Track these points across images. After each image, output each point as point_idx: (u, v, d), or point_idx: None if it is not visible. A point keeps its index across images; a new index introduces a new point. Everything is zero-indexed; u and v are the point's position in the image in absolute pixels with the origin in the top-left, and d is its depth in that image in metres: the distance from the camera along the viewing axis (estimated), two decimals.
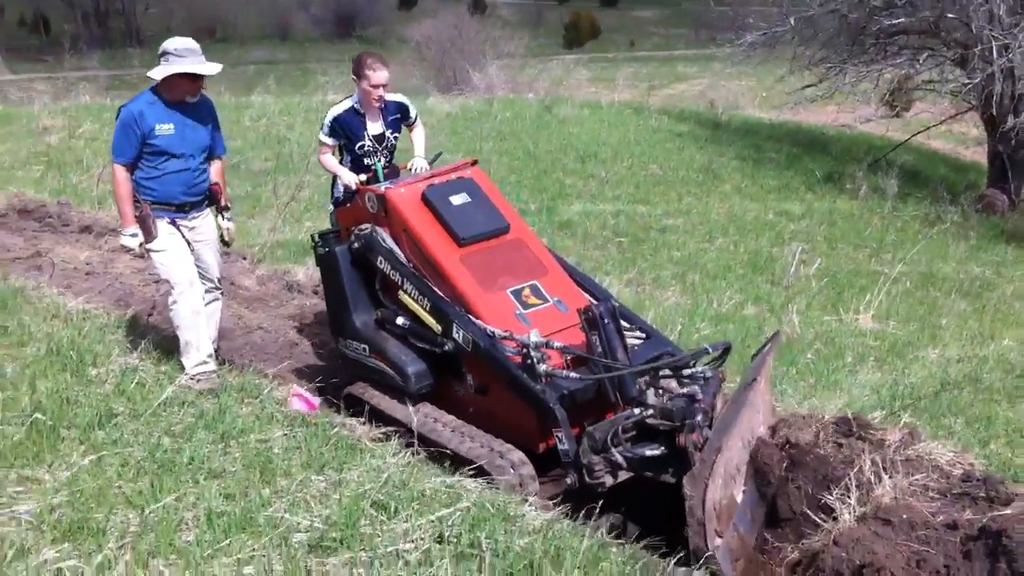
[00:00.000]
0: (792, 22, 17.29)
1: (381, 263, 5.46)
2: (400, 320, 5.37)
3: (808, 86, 18.14)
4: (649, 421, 4.47)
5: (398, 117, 6.20)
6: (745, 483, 4.45)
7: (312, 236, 6.05)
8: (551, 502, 4.53)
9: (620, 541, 4.12)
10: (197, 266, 5.69)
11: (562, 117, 19.02)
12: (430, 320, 5.19)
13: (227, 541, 3.48)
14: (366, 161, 6.05)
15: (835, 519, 4.12)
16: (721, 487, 4.06)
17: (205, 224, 5.78)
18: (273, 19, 66.47)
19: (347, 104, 6.04)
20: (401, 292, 5.36)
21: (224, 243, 6.00)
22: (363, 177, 5.92)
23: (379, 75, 5.88)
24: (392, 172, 6.13)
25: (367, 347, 5.51)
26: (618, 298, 8.47)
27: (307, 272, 8.23)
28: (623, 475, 4.56)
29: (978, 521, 3.84)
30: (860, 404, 6.05)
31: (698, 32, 59.00)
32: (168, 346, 5.91)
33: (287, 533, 3.59)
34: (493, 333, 4.93)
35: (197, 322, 5.57)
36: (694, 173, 15.91)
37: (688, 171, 16.00)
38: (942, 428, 5.67)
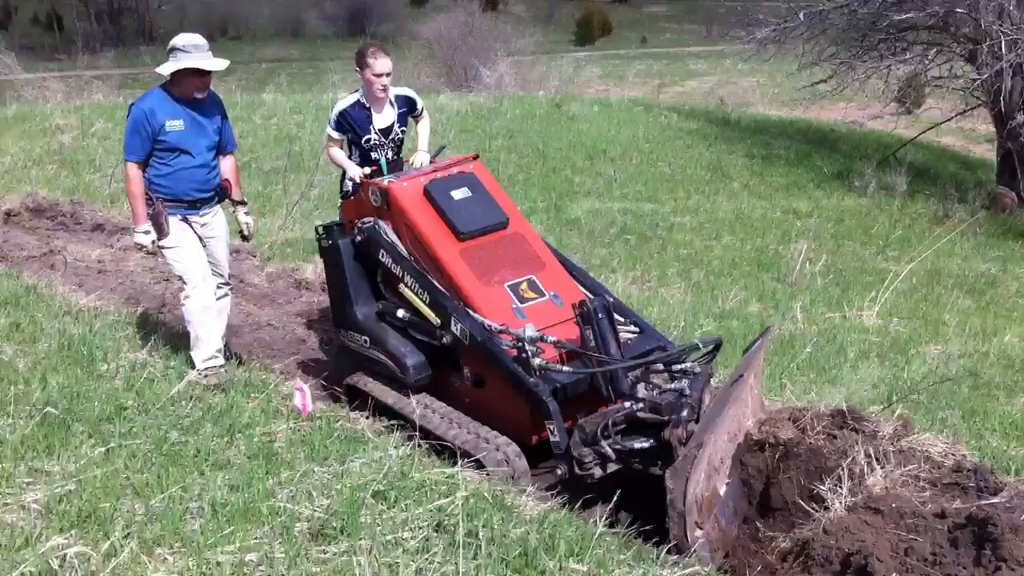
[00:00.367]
0: (802, 17, 17.33)
1: (383, 256, 5.55)
2: (400, 312, 5.46)
3: (818, 82, 18.18)
4: (639, 415, 4.55)
5: (405, 111, 6.25)
6: (729, 476, 4.52)
7: (316, 228, 6.15)
8: (548, 492, 4.61)
9: (614, 530, 4.20)
10: (208, 262, 5.79)
11: (572, 114, 19.10)
12: (429, 313, 5.28)
13: (230, 530, 3.58)
14: (373, 155, 6.13)
15: (826, 509, 4.20)
16: (703, 480, 4.13)
17: (217, 220, 5.87)
18: (286, 17, 66.76)
19: (353, 98, 6.11)
20: (402, 285, 5.46)
21: (243, 238, 6.09)
22: (368, 170, 6.01)
23: (381, 64, 5.93)
24: (397, 166, 6.21)
25: (368, 338, 5.61)
26: (623, 295, 8.64)
27: (315, 270, 8.33)
28: (612, 467, 4.64)
29: (966, 510, 3.92)
30: (859, 398, 6.13)
31: (710, 28, 59.08)
32: (177, 342, 6.02)
33: (289, 522, 3.68)
34: (490, 326, 5.01)
35: (208, 317, 5.68)
36: (702, 171, 16.00)
37: (697, 169, 16.08)
38: (937, 421, 5.74)
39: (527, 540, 3.70)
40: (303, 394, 5.13)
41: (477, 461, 4.73)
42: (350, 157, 6.20)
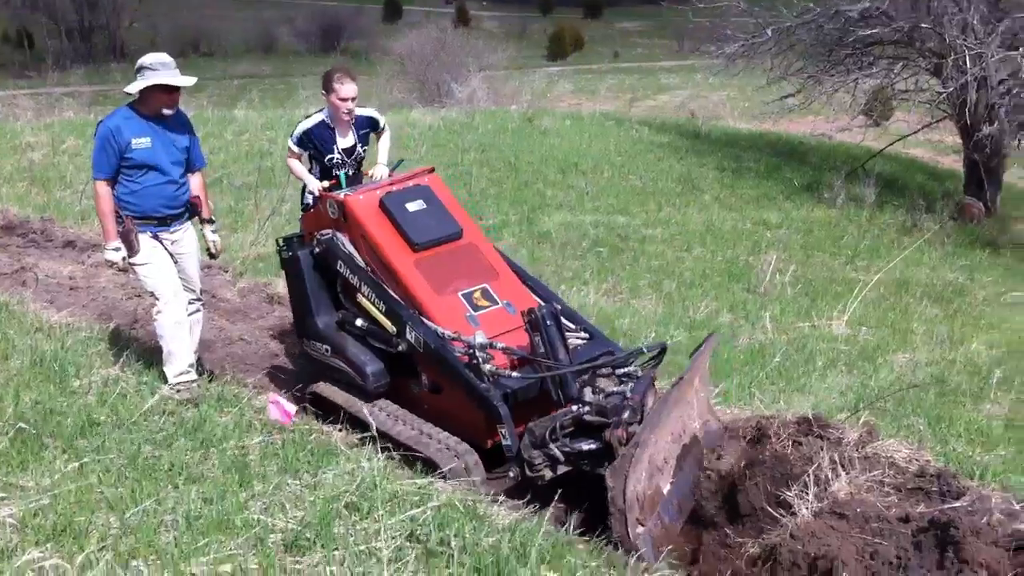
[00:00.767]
0: (769, 33, 17.52)
1: (341, 267, 5.67)
2: (359, 322, 5.58)
3: (786, 96, 18.37)
4: (586, 418, 4.70)
5: (367, 131, 6.38)
6: (674, 475, 4.64)
7: (277, 240, 6.25)
8: (520, 502, 4.67)
9: (585, 538, 4.26)
10: (179, 278, 5.81)
11: (544, 129, 19.20)
12: (386, 322, 5.40)
13: (204, 541, 3.60)
14: (334, 172, 6.23)
15: (793, 514, 4.28)
16: (645, 479, 4.29)
17: (187, 237, 5.90)
18: (258, 33, 66.50)
19: (318, 118, 6.21)
20: (359, 295, 5.57)
21: (211, 255, 6.14)
22: (327, 183, 6.12)
23: (346, 89, 6.05)
24: (356, 180, 6.31)
25: (329, 347, 5.72)
26: (594, 307, 8.72)
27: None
28: (562, 469, 4.78)
29: (929, 514, 4.00)
30: (827, 406, 6.22)
31: (681, 43, 59.46)
32: (150, 357, 6.04)
33: (263, 534, 3.71)
34: (443, 334, 5.14)
35: (180, 333, 5.70)
36: (673, 184, 16.12)
37: (668, 181, 16.20)
38: (903, 428, 5.84)
39: (499, 548, 3.75)
40: (278, 405, 5.16)
41: (433, 463, 4.87)
42: (311, 171, 6.30)
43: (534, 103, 25.79)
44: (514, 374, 4.99)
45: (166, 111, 5.62)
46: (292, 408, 5.51)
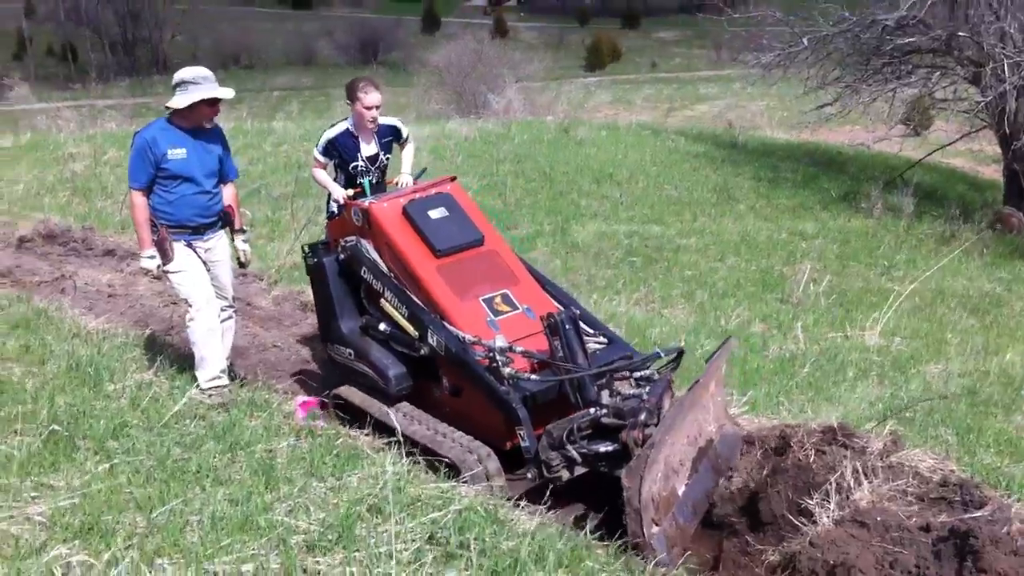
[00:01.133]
0: (806, 42, 17.45)
1: (365, 273, 5.79)
2: (382, 326, 5.68)
3: (823, 105, 18.26)
4: (603, 420, 4.77)
5: (390, 139, 6.52)
6: (689, 477, 4.69)
7: (302, 247, 6.37)
8: (542, 506, 4.71)
9: (605, 543, 4.29)
10: (212, 285, 5.93)
11: (579, 139, 19.23)
12: (408, 326, 5.52)
13: (228, 541, 3.68)
14: (358, 180, 6.37)
15: (814, 522, 4.28)
16: (660, 480, 4.35)
17: (219, 245, 6.03)
18: (298, 46, 67.23)
19: (342, 127, 6.36)
20: (383, 300, 5.69)
21: (240, 264, 6.25)
22: (351, 192, 6.25)
23: (371, 97, 6.19)
24: (380, 188, 6.44)
25: (353, 351, 5.83)
26: (625, 316, 8.75)
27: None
28: (580, 470, 4.86)
29: (950, 523, 3.99)
30: (855, 416, 6.21)
31: (719, 53, 59.26)
32: (183, 363, 6.15)
33: (285, 534, 3.78)
34: (463, 338, 5.23)
35: (212, 339, 5.82)
36: (709, 193, 16.07)
37: (703, 191, 16.16)
38: (931, 438, 5.81)
39: (518, 552, 3.79)
40: (305, 407, 5.25)
41: (456, 467, 4.95)
42: (335, 179, 6.43)
43: (570, 113, 25.82)
44: (533, 377, 5.07)
45: (207, 124, 5.79)
46: (318, 411, 5.60)
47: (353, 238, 5.90)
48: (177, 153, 5.63)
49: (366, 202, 5.90)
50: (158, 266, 5.70)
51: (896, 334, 9.27)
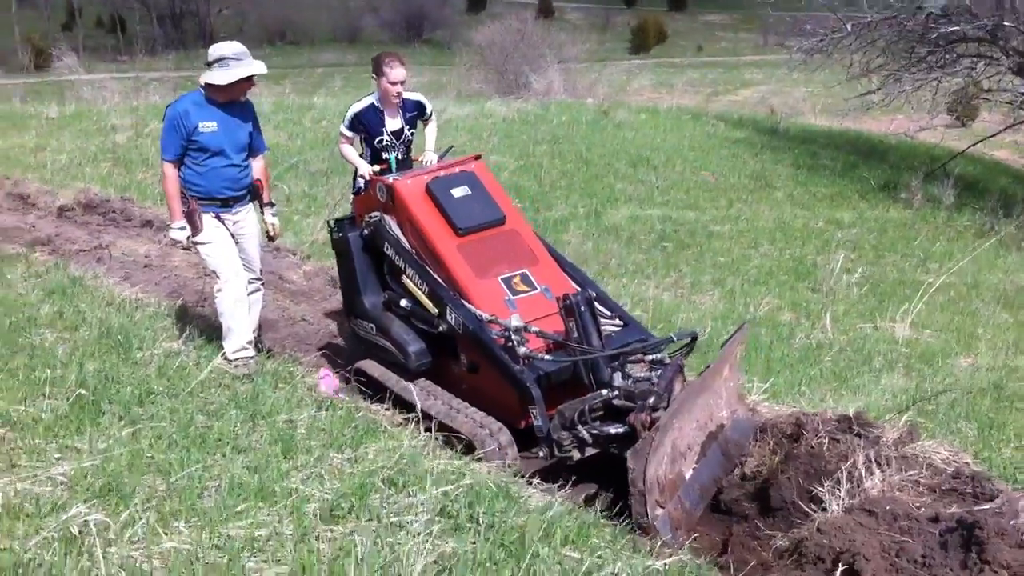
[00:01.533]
0: (849, 28, 17.29)
1: (387, 249, 5.89)
2: (403, 302, 5.78)
3: (865, 93, 18.10)
4: (615, 402, 4.83)
5: (415, 114, 6.64)
6: (697, 461, 4.74)
7: (328, 222, 6.48)
8: (555, 485, 4.78)
9: (613, 522, 4.35)
10: (240, 258, 6.04)
11: (618, 122, 19.19)
12: (428, 303, 5.61)
13: (244, 507, 3.77)
14: (384, 155, 6.51)
15: (824, 509, 4.31)
16: (667, 463, 4.41)
17: (248, 218, 6.12)
18: (343, 22, 67.47)
19: (368, 101, 6.50)
20: (404, 276, 5.80)
21: (269, 238, 6.35)
22: (377, 168, 6.37)
23: (396, 72, 6.32)
24: (406, 164, 6.55)
25: (375, 326, 5.94)
26: (654, 300, 8.76)
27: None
28: (590, 451, 4.92)
29: (959, 514, 4.00)
30: (878, 407, 6.21)
31: (766, 37, 58.72)
32: (212, 334, 6.26)
33: (300, 502, 3.87)
34: (481, 317, 5.31)
35: (239, 310, 5.92)
36: (746, 180, 16.00)
37: (740, 177, 16.09)
38: (952, 431, 5.80)
39: (526, 527, 3.85)
40: (328, 380, 5.35)
41: (471, 444, 5.05)
42: (362, 155, 6.56)
43: (611, 96, 25.77)
44: (547, 357, 5.12)
45: (242, 98, 5.90)
46: (336, 383, 5.70)
47: (377, 214, 5.99)
48: (208, 127, 5.72)
49: (390, 178, 5.99)
50: (188, 237, 5.81)
51: (927, 327, 9.23)
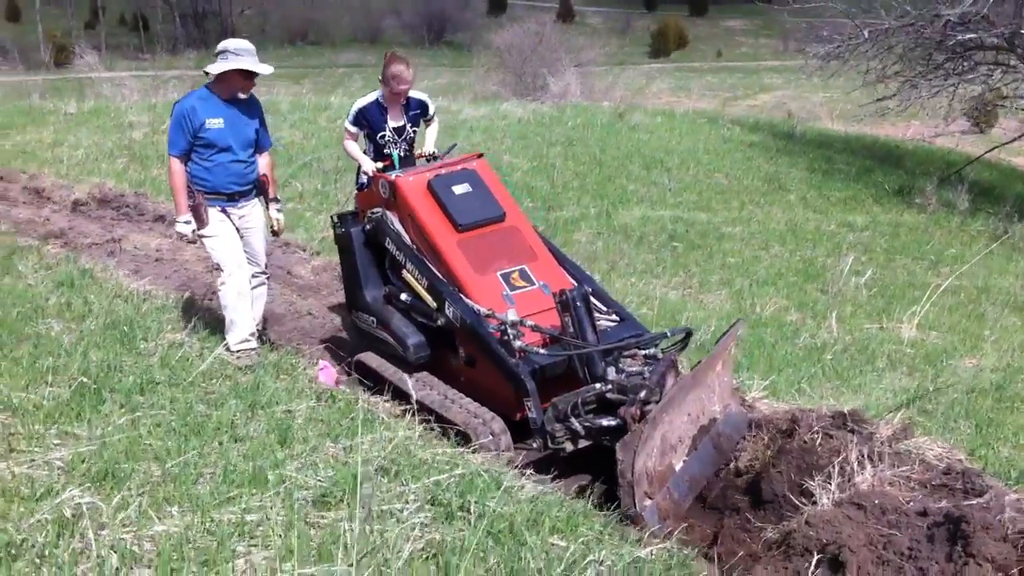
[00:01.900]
0: (866, 35, 17.26)
1: (389, 244, 6.01)
2: (404, 296, 5.88)
3: (882, 99, 18.06)
4: (608, 395, 4.90)
5: (418, 112, 6.72)
6: (688, 454, 4.78)
7: (332, 217, 6.58)
8: (548, 478, 4.82)
9: (603, 512, 4.39)
10: (245, 251, 6.12)
11: (633, 124, 19.20)
12: (427, 297, 5.70)
13: (236, 492, 3.83)
14: (386, 151, 6.58)
15: (814, 503, 4.33)
16: (656, 455, 4.48)
17: (254, 213, 6.21)
18: (364, 23, 67.74)
19: (372, 97, 6.58)
20: (405, 271, 5.89)
21: (274, 233, 6.42)
22: (380, 164, 6.44)
23: (399, 71, 6.40)
24: (408, 162, 6.64)
25: (375, 319, 6.06)
26: (661, 299, 8.79)
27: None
28: (583, 443, 4.99)
29: (946, 509, 4.02)
30: (878, 406, 6.22)
31: (786, 43, 58.60)
32: (216, 326, 6.33)
33: (293, 489, 3.93)
34: (478, 311, 5.39)
35: (242, 303, 6.00)
36: (759, 183, 15.99)
37: (754, 180, 16.08)
38: (950, 430, 5.81)
39: (515, 516, 3.90)
40: (327, 371, 5.42)
41: (465, 433, 5.12)
42: (365, 151, 6.64)
43: (629, 99, 25.79)
44: (542, 351, 5.20)
45: (241, 95, 5.97)
46: (334, 374, 5.77)
47: (379, 210, 6.08)
48: (214, 123, 5.81)
49: (393, 175, 6.06)
50: (193, 231, 5.90)
51: (934, 328, 9.21)
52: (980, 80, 17.26)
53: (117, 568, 3.23)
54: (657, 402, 4.62)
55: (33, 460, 3.93)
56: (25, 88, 25.78)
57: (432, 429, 5.14)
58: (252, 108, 6.06)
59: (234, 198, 6.03)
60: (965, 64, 17.20)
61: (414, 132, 6.70)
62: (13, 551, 3.24)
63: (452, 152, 6.70)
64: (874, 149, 20.83)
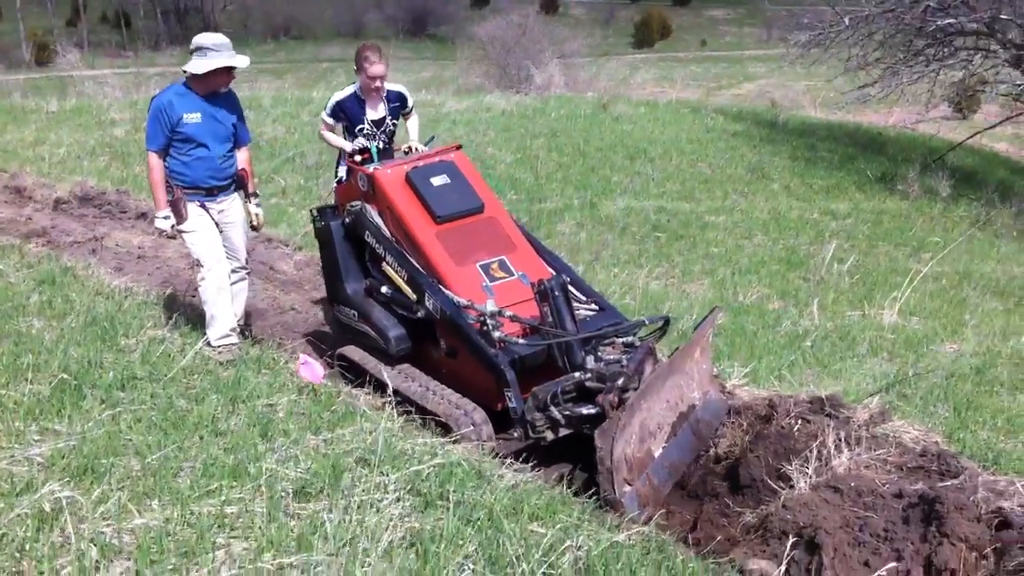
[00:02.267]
0: (847, 22, 17.31)
1: (368, 237, 6.02)
2: (384, 289, 5.89)
3: (864, 86, 18.12)
4: (587, 384, 4.95)
5: (397, 105, 6.79)
6: (667, 440, 4.81)
7: (311, 211, 6.58)
8: (528, 467, 4.85)
9: (582, 499, 4.43)
10: (225, 247, 6.13)
11: (617, 115, 19.19)
12: (407, 289, 5.73)
13: (216, 485, 3.85)
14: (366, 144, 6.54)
15: (792, 487, 4.37)
16: (635, 442, 4.52)
17: (233, 207, 6.21)
18: (347, 17, 67.56)
19: (350, 90, 6.64)
20: (385, 264, 5.91)
21: (253, 227, 6.43)
22: (362, 142, 6.51)
23: (375, 68, 6.50)
24: (387, 154, 6.70)
25: (356, 312, 6.08)
26: (643, 289, 8.83)
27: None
28: (564, 431, 5.03)
29: (921, 490, 4.07)
30: (858, 391, 6.27)
31: (770, 32, 58.67)
32: (198, 321, 6.34)
33: (273, 481, 3.95)
34: (458, 302, 5.42)
35: (222, 298, 6.02)
36: (743, 172, 16.02)
37: (737, 170, 16.11)
38: (929, 414, 5.86)
39: (494, 504, 3.93)
40: (308, 366, 5.43)
41: (446, 424, 5.16)
42: None
43: (613, 90, 25.78)
44: (522, 341, 5.24)
45: (223, 89, 5.98)
46: (321, 371, 5.78)
47: (358, 203, 6.09)
48: (192, 118, 5.81)
49: (371, 168, 6.08)
50: (172, 226, 5.91)
51: (915, 314, 9.26)
52: (961, 66, 17.33)
53: (97, 561, 3.25)
54: (635, 389, 4.65)
55: (13, 456, 3.94)
56: (6, 87, 25.70)
57: (414, 420, 5.16)
58: (230, 102, 6.07)
59: (213, 193, 6.03)
60: (946, 50, 17.26)
61: (394, 125, 6.73)
62: None
63: (431, 144, 6.72)
64: (857, 136, 20.88)
